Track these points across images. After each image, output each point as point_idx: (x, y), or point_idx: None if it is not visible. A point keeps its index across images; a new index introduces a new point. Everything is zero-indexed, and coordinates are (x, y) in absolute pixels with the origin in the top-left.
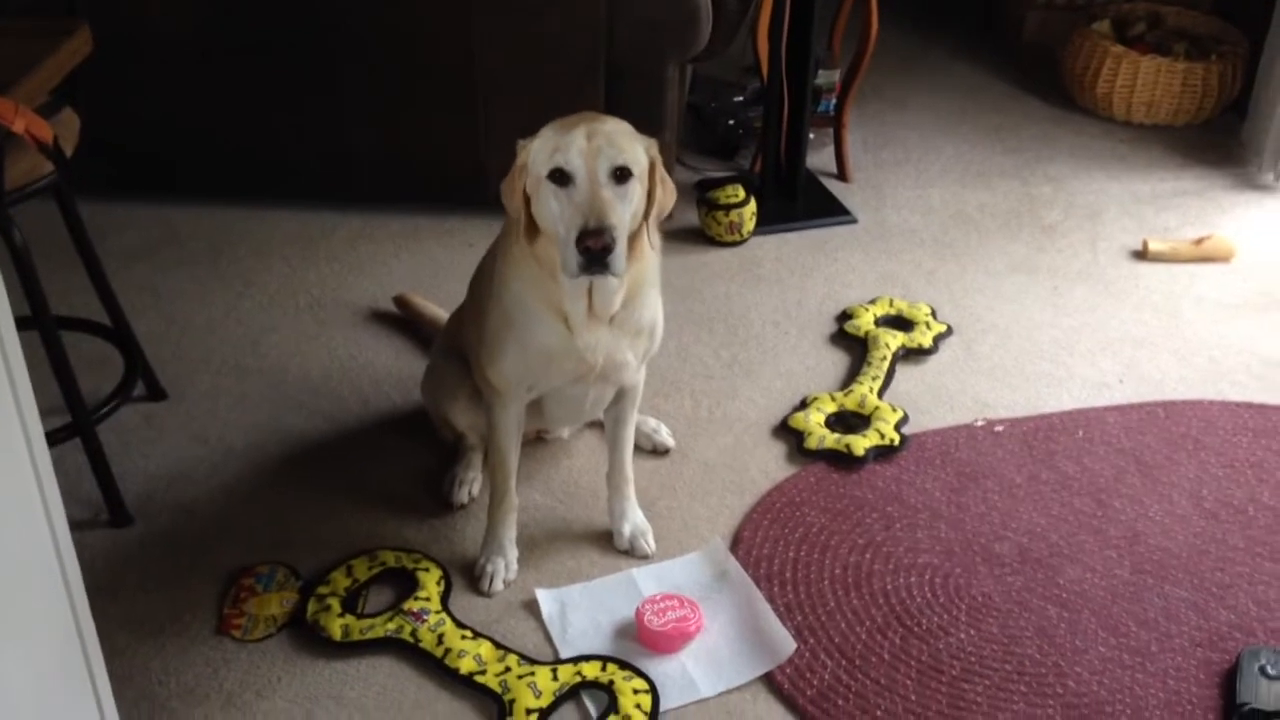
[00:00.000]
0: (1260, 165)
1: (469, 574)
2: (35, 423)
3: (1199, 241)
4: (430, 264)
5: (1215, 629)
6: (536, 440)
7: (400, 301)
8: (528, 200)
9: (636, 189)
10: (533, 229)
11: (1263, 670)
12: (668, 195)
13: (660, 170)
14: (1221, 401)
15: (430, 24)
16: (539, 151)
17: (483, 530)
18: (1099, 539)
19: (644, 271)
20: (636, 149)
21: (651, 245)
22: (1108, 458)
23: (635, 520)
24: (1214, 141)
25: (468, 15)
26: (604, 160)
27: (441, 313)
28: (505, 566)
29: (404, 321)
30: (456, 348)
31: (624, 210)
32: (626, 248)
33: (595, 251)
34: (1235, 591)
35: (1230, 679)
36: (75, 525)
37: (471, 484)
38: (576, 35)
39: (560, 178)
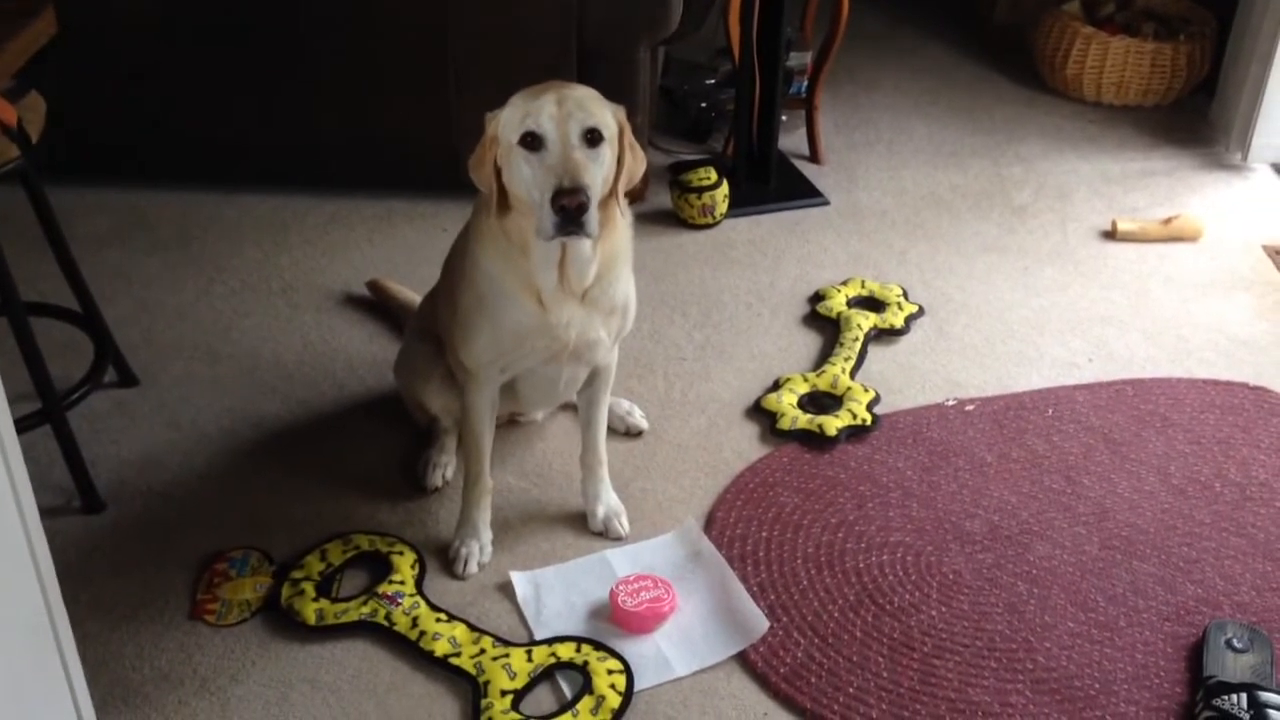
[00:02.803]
0: (1228, 145)
1: (443, 557)
2: (4, 409)
3: (1167, 221)
4: (403, 248)
5: (1182, 603)
6: (510, 423)
7: (373, 286)
8: (498, 173)
9: (607, 153)
10: (503, 203)
11: (1229, 643)
12: (637, 162)
13: (629, 137)
14: (1189, 379)
15: (402, 7)
16: (509, 120)
17: (457, 513)
18: (1068, 516)
19: (616, 245)
20: (606, 114)
21: (621, 213)
22: (1077, 435)
23: (609, 502)
24: (1182, 121)
25: None
26: (575, 123)
27: (414, 296)
28: (479, 549)
29: (377, 306)
30: (430, 330)
31: (596, 172)
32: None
33: (571, 210)
34: (1202, 566)
35: (1197, 652)
36: (47, 512)
37: (445, 467)
38: (548, 18)
39: (532, 142)
